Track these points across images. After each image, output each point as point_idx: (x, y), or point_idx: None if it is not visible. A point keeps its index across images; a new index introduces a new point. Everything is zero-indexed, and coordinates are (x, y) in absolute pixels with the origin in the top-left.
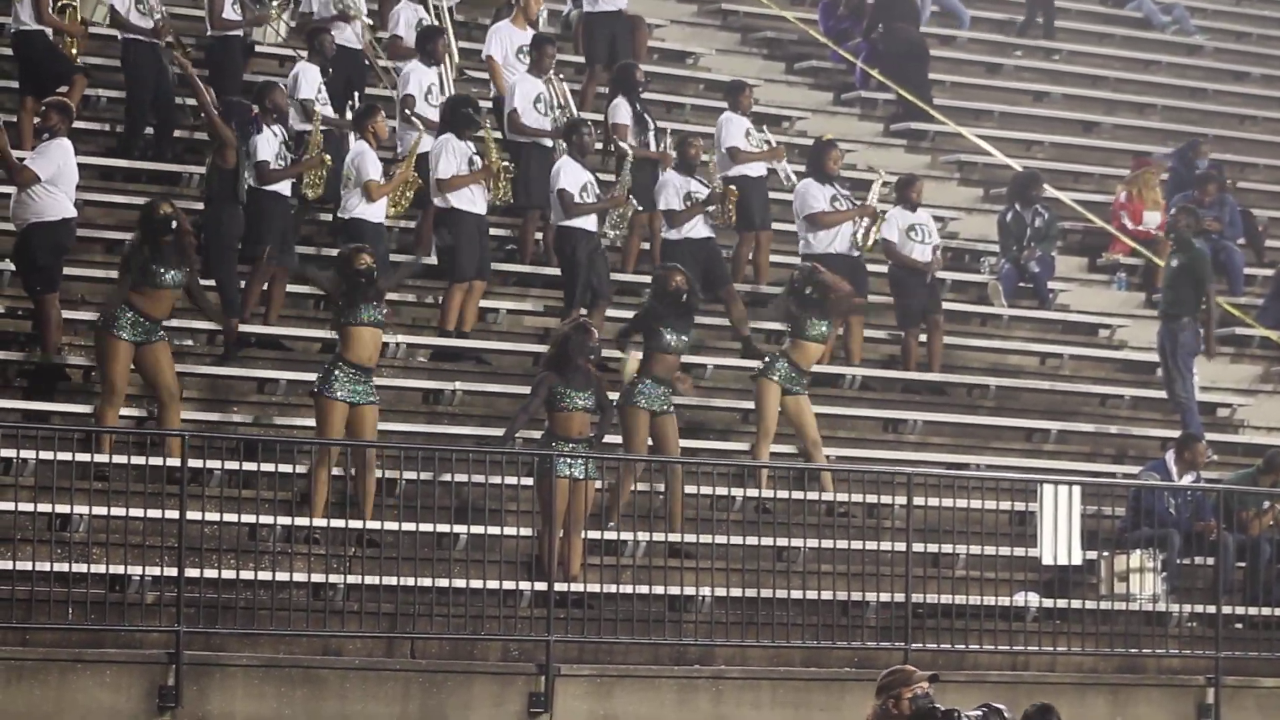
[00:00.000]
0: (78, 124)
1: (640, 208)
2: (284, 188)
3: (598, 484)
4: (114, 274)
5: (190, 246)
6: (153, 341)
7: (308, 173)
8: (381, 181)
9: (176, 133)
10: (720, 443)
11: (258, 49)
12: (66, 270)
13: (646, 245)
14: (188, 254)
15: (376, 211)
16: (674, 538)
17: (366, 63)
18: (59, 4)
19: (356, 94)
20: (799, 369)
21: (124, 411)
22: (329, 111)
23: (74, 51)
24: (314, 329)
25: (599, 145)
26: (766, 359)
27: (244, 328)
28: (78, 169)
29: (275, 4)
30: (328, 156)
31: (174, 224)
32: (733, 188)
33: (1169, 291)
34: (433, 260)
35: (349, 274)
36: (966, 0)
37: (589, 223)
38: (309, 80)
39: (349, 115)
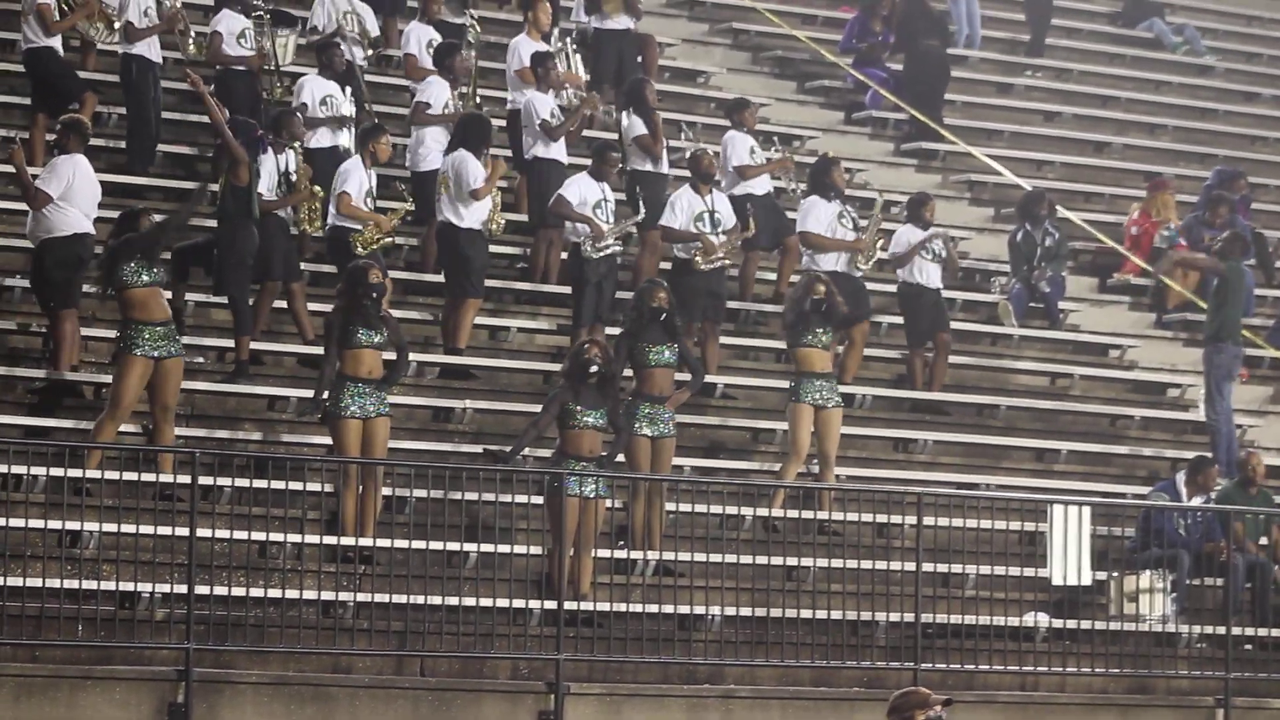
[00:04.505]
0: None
1: (639, 219)
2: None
3: (608, 503)
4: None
5: (159, 246)
6: (171, 356)
7: (302, 206)
8: (353, 198)
9: (188, 150)
10: (732, 462)
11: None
12: None
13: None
14: (157, 251)
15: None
16: (683, 556)
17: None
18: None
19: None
20: (819, 377)
21: (131, 429)
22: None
23: (97, 37)
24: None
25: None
26: (791, 383)
27: (255, 345)
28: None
29: (282, 34)
30: (317, 189)
31: (146, 219)
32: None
33: (1212, 314)
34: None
35: (356, 290)
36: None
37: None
38: (309, 90)
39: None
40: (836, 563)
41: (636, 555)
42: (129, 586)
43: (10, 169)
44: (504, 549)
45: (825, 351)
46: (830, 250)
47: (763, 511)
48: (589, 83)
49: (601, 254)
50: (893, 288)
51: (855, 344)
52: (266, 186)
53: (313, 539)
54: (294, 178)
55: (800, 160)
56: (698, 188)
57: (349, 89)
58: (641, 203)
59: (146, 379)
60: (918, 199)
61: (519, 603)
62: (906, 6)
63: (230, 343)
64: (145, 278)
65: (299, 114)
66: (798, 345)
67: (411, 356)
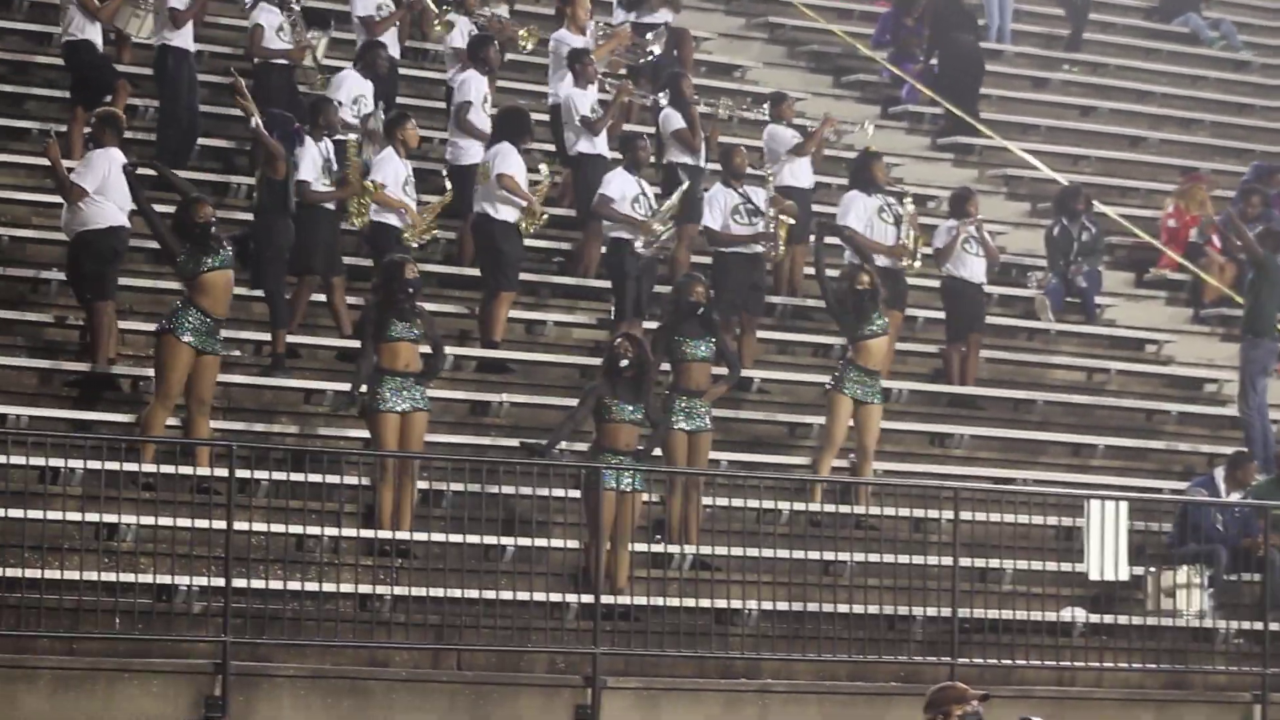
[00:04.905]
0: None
1: (666, 209)
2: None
3: (645, 497)
4: (160, 283)
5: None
6: (211, 353)
7: (353, 200)
8: (388, 188)
9: (224, 143)
10: (769, 456)
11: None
12: None
13: (706, 259)
14: (218, 239)
15: (396, 216)
16: (720, 551)
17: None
18: None
19: (381, 103)
20: (868, 373)
21: (169, 422)
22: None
23: (138, 24)
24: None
25: (653, 158)
26: (836, 372)
27: (291, 339)
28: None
29: (314, 33)
30: (369, 183)
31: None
32: (789, 203)
33: (1248, 308)
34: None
35: (391, 284)
36: (1015, 15)
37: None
38: (346, 87)
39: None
40: (873, 557)
41: (673, 549)
42: (166, 579)
43: (46, 163)
44: (541, 543)
45: (885, 339)
46: (869, 251)
47: (800, 506)
48: (624, 75)
49: (652, 246)
50: (930, 282)
51: (889, 338)
52: (312, 174)
53: (350, 532)
54: (334, 165)
55: (836, 155)
56: (729, 182)
57: (379, 98)
58: (684, 178)
59: (190, 365)
60: (960, 194)
61: (556, 597)
62: (939, 1)
63: (267, 336)
64: (212, 261)
65: (336, 103)
66: (860, 338)
67: (448, 350)
